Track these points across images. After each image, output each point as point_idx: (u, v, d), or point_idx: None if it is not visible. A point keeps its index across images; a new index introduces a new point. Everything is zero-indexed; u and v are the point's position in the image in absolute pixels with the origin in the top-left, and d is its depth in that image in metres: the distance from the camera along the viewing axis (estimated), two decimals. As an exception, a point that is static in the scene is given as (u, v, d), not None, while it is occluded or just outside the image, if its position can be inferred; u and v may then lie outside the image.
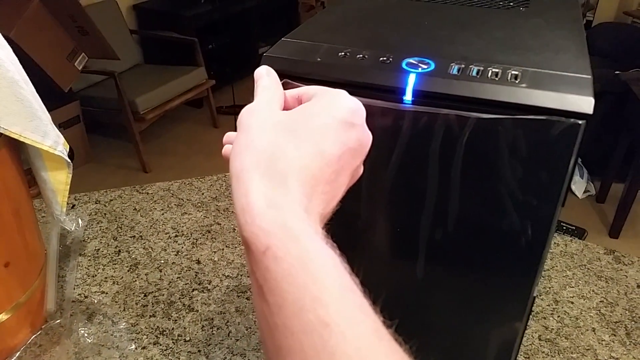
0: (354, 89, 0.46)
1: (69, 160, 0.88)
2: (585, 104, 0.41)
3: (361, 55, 0.48)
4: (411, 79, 0.45)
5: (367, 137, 0.32)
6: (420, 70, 0.46)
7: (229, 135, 0.34)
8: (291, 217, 0.27)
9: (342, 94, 0.32)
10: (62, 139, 0.88)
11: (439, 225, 0.51)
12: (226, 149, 0.34)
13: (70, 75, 2.73)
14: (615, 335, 0.95)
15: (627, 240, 2.98)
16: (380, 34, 0.56)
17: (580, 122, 0.41)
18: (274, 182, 0.28)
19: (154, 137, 3.68)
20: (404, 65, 0.47)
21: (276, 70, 0.44)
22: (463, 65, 0.46)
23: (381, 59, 0.48)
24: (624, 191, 2.91)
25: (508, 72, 0.44)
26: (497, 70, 0.45)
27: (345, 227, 0.56)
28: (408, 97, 0.45)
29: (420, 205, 0.51)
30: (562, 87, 0.42)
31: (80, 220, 1.18)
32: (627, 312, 1.00)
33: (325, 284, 0.25)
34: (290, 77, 0.48)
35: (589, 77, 0.43)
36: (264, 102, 0.32)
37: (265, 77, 0.34)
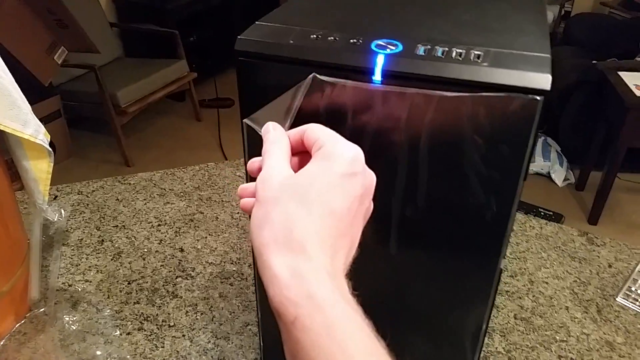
0: (325, 70, 0.48)
1: (50, 149, 0.89)
2: (543, 80, 0.43)
3: (332, 38, 0.50)
4: (380, 60, 0.47)
5: (371, 179, 0.34)
6: (388, 51, 0.48)
7: (243, 189, 0.36)
8: (315, 285, 0.28)
9: (339, 144, 0.34)
10: (42, 128, 0.88)
11: (409, 202, 0.53)
12: (243, 203, 0.36)
13: (49, 69, 2.70)
14: (587, 312, 0.99)
15: (605, 227, 3.04)
16: (351, 18, 0.58)
17: (538, 98, 0.43)
18: (294, 251, 0.29)
19: (136, 131, 3.67)
20: (373, 47, 0.48)
21: (250, 52, 0.45)
22: (429, 47, 0.48)
23: (351, 40, 0.50)
24: (601, 179, 2.98)
25: (471, 52, 0.46)
26: (461, 50, 0.47)
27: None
28: (377, 77, 0.47)
29: (391, 183, 0.53)
30: (522, 65, 0.44)
31: (62, 210, 1.18)
32: (598, 290, 1.04)
33: (350, 351, 0.27)
34: (264, 58, 0.49)
35: (548, 56, 0.46)
36: (273, 167, 0.34)
37: (272, 131, 0.37)
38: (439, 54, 0.47)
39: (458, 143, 0.48)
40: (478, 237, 0.53)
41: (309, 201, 0.31)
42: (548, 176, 3.51)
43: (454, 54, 0.47)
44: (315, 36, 0.51)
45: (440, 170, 0.51)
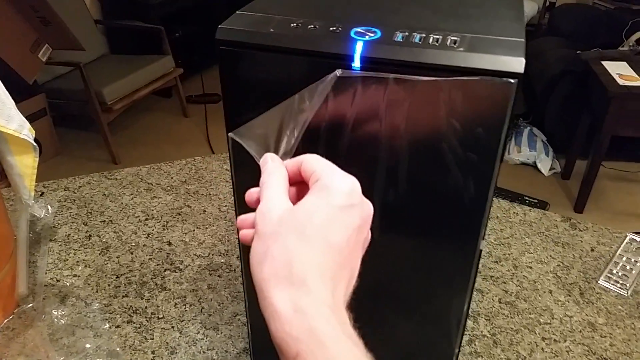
0: (305, 57, 0.49)
1: (35, 144, 0.89)
2: (516, 64, 0.44)
3: (312, 26, 0.51)
4: (359, 47, 0.48)
5: (369, 209, 0.35)
6: (367, 38, 0.49)
7: (243, 220, 0.36)
8: (317, 320, 0.29)
9: (335, 177, 0.34)
10: (27, 123, 0.88)
11: (390, 188, 0.54)
12: (243, 235, 0.36)
13: (34, 67, 2.68)
14: (570, 295, 1.01)
15: (591, 214, 3.08)
16: (331, 6, 0.58)
17: (512, 80, 0.44)
18: (295, 286, 0.30)
19: (123, 128, 3.65)
20: (352, 34, 0.49)
21: (231, 41, 0.46)
22: (407, 33, 0.49)
23: (331, 28, 0.50)
24: (586, 167, 3.01)
25: (448, 38, 0.47)
26: (438, 36, 0.48)
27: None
28: (356, 63, 0.48)
29: (372, 170, 0.54)
30: (497, 49, 0.46)
31: (49, 207, 1.18)
32: (581, 274, 1.06)
33: None
34: (245, 46, 0.50)
35: (522, 40, 0.47)
36: (271, 199, 0.34)
37: (269, 162, 0.37)
38: (417, 40, 0.48)
39: (436, 127, 0.49)
40: (457, 219, 0.54)
41: (308, 235, 0.31)
42: (534, 166, 3.55)
43: (430, 39, 0.48)
44: (295, 24, 0.51)
45: (420, 155, 0.52)
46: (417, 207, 0.56)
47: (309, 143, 0.43)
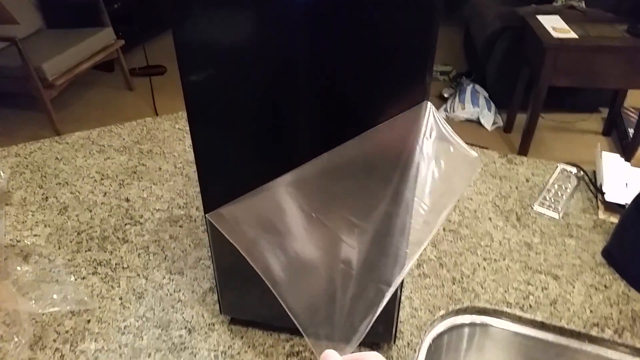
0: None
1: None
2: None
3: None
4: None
5: None
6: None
7: None
8: None
9: None
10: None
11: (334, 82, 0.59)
12: None
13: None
14: (508, 221, 1.10)
15: (531, 163, 3.25)
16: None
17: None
18: None
19: (66, 105, 3.55)
20: None
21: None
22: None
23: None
24: (526, 119, 3.17)
25: None
26: None
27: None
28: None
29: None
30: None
31: (1, 172, 1.18)
32: (517, 202, 1.15)
33: None
34: None
35: None
36: None
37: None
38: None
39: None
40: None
41: None
42: (478, 122, 3.69)
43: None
44: None
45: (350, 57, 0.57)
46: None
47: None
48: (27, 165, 1.23)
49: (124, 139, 1.33)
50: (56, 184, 1.18)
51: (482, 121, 3.64)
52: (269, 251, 0.57)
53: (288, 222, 0.59)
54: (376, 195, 0.61)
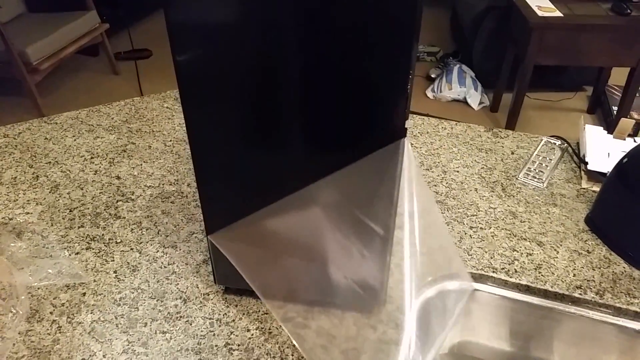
0: None
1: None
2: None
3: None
4: None
5: None
6: None
7: None
8: None
9: None
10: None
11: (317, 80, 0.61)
12: None
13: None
14: (493, 191, 1.12)
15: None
16: None
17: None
18: None
19: (51, 91, 3.52)
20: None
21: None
22: None
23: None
24: (512, 98, 3.20)
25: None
26: None
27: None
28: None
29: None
30: None
31: (-10, 152, 1.18)
32: (503, 173, 1.18)
33: None
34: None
35: None
36: None
37: None
38: None
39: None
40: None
41: None
42: (465, 101, 3.72)
43: None
44: None
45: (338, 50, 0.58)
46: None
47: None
48: (16, 146, 1.23)
49: (112, 119, 1.34)
50: (46, 163, 1.18)
51: (469, 101, 3.66)
52: (266, 271, 0.62)
53: (282, 243, 0.63)
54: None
